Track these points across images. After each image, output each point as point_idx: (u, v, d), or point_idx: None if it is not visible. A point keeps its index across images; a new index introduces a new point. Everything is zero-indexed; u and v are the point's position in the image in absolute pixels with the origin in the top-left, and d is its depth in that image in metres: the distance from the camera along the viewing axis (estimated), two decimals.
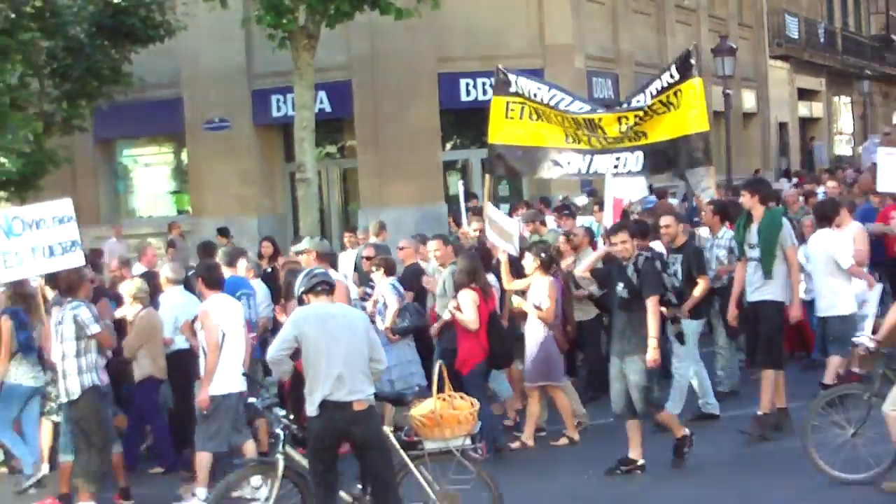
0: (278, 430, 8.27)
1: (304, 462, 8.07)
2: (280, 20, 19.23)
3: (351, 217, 25.61)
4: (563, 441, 11.37)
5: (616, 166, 12.39)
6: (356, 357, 7.76)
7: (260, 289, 12.50)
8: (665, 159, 12.45)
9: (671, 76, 12.27)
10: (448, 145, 25.13)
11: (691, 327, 11.44)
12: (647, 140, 12.24)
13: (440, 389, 8.45)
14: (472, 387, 10.19)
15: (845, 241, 11.76)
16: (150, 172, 28.94)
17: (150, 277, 12.22)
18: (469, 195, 20.86)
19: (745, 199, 10.98)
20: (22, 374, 10.98)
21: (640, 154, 12.29)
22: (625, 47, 28.16)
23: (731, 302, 11.33)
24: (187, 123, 26.07)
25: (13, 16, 19.23)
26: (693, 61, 12.19)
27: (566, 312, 12.08)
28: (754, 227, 10.81)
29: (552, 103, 12.50)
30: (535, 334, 11.33)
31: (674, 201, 20.82)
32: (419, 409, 8.29)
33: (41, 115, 20.27)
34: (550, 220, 16.61)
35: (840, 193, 15.97)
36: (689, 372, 11.55)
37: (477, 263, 11.26)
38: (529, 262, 11.44)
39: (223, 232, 20.14)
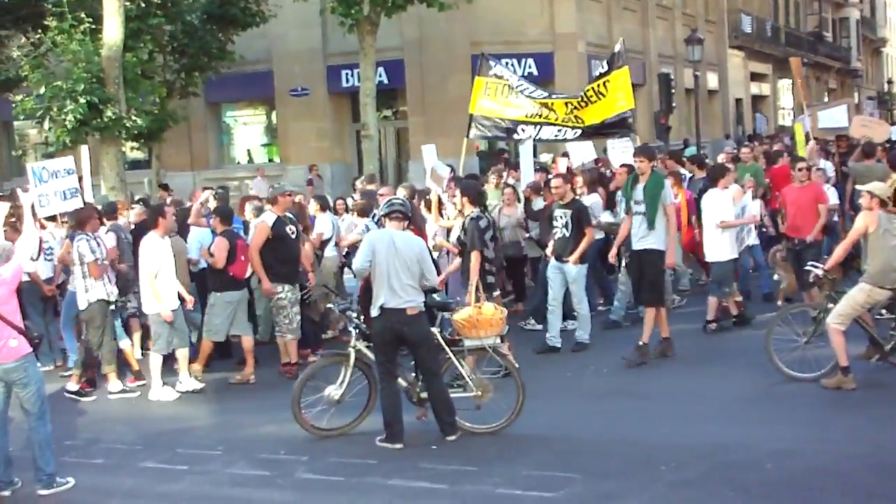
0: (351, 329, 8.01)
1: (371, 354, 7.81)
2: (349, 11, 19.26)
3: (402, 166, 25.31)
4: None
5: (556, 135, 12.59)
6: (408, 273, 7.44)
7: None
8: (594, 131, 12.57)
9: (602, 67, 12.25)
10: None
11: (581, 271, 10.41)
12: (583, 125, 12.29)
13: (476, 300, 8.21)
14: None
15: (726, 199, 10.81)
16: (247, 129, 28.82)
17: (183, 212, 11.52)
18: (500, 150, 20.30)
19: (643, 164, 9.78)
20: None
21: (577, 131, 12.39)
22: (616, 36, 27.40)
23: (613, 247, 10.52)
24: (276, 91, 25.92)
25: (143, 5, 19.00)
26: (621, 56, 12.08)
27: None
28: (640, 187, 9.77)
29: (519, 88, 12.49)
30: (452, 266, 10.38)
31: None
32: (460, 315, 7.98)
33: (164, 83, 20.14)
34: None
35: (755, 159, 14.86)
36: (587, 305, 10.58)
37: (415, 208, 10.43)
38: (451, 210, 10.64)
39: (164, 186, 18.86)
